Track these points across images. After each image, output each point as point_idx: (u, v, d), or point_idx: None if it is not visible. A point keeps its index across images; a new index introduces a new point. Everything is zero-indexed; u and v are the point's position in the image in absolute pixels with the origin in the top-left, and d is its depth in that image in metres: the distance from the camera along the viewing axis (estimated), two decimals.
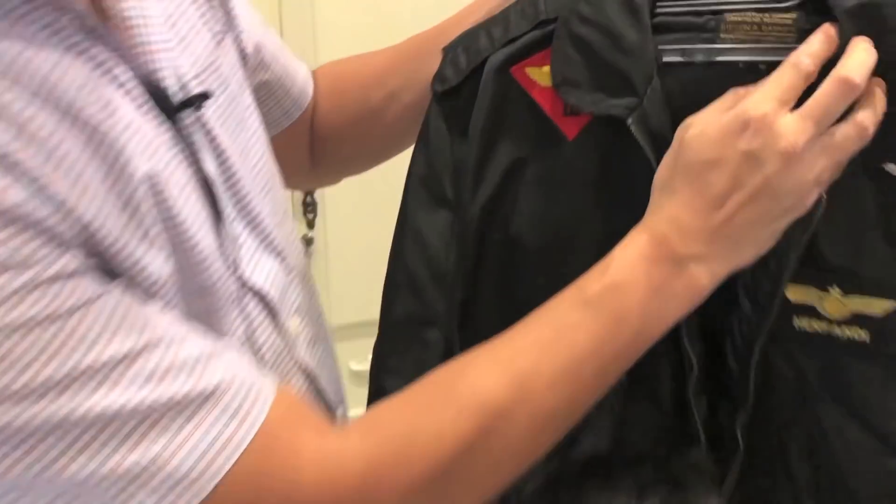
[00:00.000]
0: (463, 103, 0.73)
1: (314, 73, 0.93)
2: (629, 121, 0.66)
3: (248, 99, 0.73)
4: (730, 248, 0.60)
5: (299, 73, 0.89)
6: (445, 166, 0.73)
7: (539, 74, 0.71)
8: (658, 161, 0.65)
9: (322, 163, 0.95)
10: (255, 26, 0.80)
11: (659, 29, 0.69)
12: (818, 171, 0.58)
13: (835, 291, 0.66)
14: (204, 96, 0.62)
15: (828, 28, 0.60)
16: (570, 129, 0.71)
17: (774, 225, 0.60)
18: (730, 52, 0.68)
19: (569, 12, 0.69)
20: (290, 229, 0.74)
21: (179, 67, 0.62)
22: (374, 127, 0.89)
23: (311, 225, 2.01)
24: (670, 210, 0.61)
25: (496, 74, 0.71)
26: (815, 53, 0.60)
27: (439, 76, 0.73)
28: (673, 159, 0.63)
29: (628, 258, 0.61)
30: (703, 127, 0.61)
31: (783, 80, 0.59)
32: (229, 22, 0.74)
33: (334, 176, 1.01)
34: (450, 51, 0.73)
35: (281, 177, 0.76)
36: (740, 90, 0.62)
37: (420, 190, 0.74)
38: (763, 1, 0.67)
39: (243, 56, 0.77)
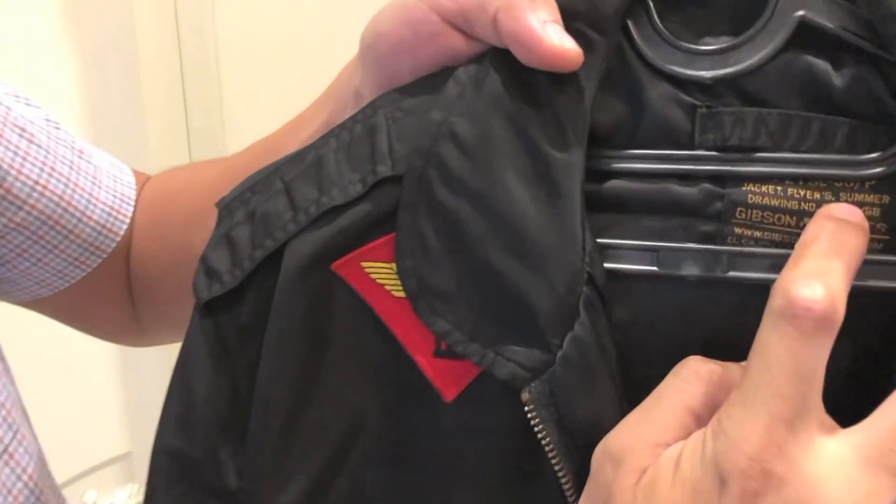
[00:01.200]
0: (249, 320, 0.38)
1: (140, 195, 0.61)
2: (524, 395, 0.34)
3: None
4: None
5: (97, 205, 0.56)
6: (215, 431, 0.39)
7: (386, 274, 0.37)
8: (577, 486, 0.33)
9: (147, 317, 0.64)
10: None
11: (602, 205, 0.36)
12: None
13: None
14: None
15: None
16: (444, 382, 0.37)
17: None
18: (755, 261, 0.34)
19: (425, 160, 0.35)
20: None
21: None
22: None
23: None
24: None
25: (306, 273, 0.37)
26: None
27: (205, 269, 0.39)
28: None
29: None
30: (654, 476, 0.30)
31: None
32: None
33: (169, 334, 0.67)
34: (224, 218, 0.39)
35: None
36: (708, 366, 0.32)
37: (171, 468, 0.40)
38: (825, 164, 0.33)
39: None
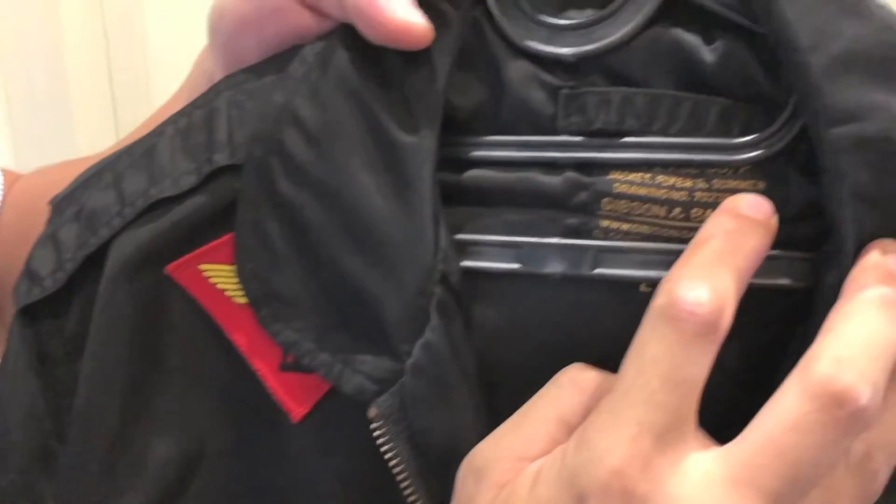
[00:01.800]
0: (76, 329, 0.34)
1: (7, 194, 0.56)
2: (371, 410, 0.30)
3: None
4: None
5: None
6: (30, 460, 0.35)
7: (228, 278, 0.33)
8: None
9: None
10: None
11: (461, 197, 0.32)
12: None
13: None
14: None
15: None
16: (292, 398, 0.33)
17: None
18: (625, 257, 0.31)
19: (266, 148, 0.31)
20: None
21: None
22: None
23: None
24: None
25: (132, 274, 0.33)
26: None
27: (27, 272, 0.34)
28: None
29: None
30: (510, 492, 0.28)
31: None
32: None
33: None
34: (54, 217, 0.35)
35: None
36: (588, 373, 0.29)
37: None
38: (696, 149, 0.30)
39: None
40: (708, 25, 0.30)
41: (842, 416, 0.24)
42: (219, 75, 0.36)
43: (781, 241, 0.30)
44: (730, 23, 0.29)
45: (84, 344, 0.34)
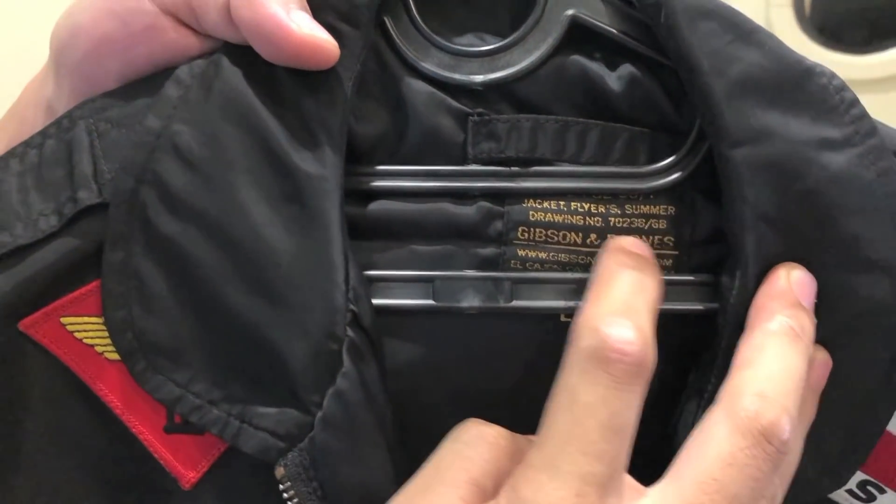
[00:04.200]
0: None
1: None
2: (278, 470, 0.27)
3: None
4: None
5: None
6: None
7: (96, 331, 0.29)
8: None
9: None
10: None
11: (368, 230, 0.30)
12: None
13: None
14: None
15: None
16: (183, 463, 0.29)
17: None
18: (541, 288, 0.30)
19: (138, 180, 0.28)
20: None
21: None
22: None
23: None
24: None
25: None
26: None
27: None
28: None
29: None
30: None
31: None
32: None
33: None
34: None
35: None
36: (493, 429, 0.27)
37: None
38: (607, 177, 0.30)
39: None
40: (613, 54, 0.30)
41: (772, 451, 0.25)
42: (63, 103, 0.31)
43: (692, 265, 0.30)
44: (634, 52, 0.30)
45: None
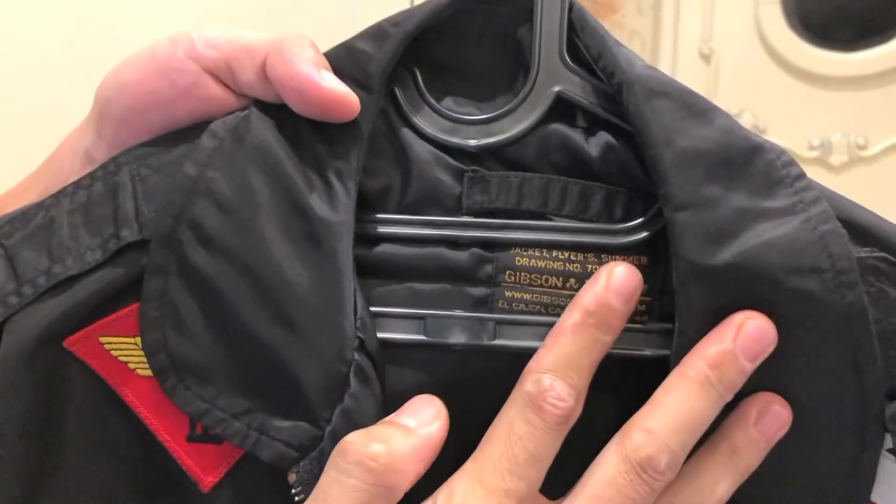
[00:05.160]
0: None
1: None
2: (291, 476, 0.31)
3: None
4: None
5: None
6: None
7: (130, 350, 0.33)
8: None
9: None
10: None
11: (371, 270, 0.34)
12: None
13: None
14: None
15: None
16: (202, 468, 0.33)
17: None
18: (522, 329, 0.34)
19: (176, 220, 0.32)
20: None
21: None
22: None
23: None
24: None
25: (34, 354, 0.32)
26: None
27: None
28: None
29: None
30: None
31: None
32: None
33: None
34: None
35: None
36: (376, 450, 0.30)
37: None
38: (584, 232, 0.34)
39: None
40: (592, 124, 0.34)
41: (646, 477, 0.29)
42: (101, 153, 0.35)
43: (663, 311, 0.34)
44: (609, 123, 0.34)
45: None
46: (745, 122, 1.67)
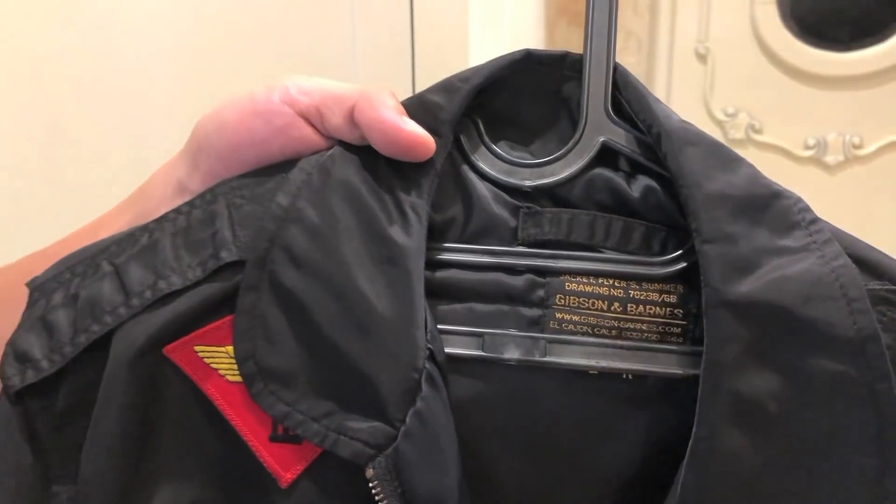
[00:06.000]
0: (66, 407, 0.36)
1: None
2: (368, 471, 0.34)
3: None
4: None
5: None
6: None
7: (221, 358, 0.37)
8: None
9: None
10: None
11: (437, 292, 0.39)
12: None
13: None
14: None
15: None
16: (282, 466, 0.36)
17: None
18: (570, 348, 0.38)
19: (270, 243, 0.36)
20: None
21: None
22: None
23: None
24: None
25: (138, 360, 0.36)
26: None
27: (15, 354, 0.36)
28: None
29: None
30: None
31: None
32: None
33: None
34: (38, 300, 0.37)
35: None
36: None
37: None
38: (626, 263, 0.38)
39: None
40: (633, 169, 0.39)
41: None
42: (194, 184, 0.39)
43: (697, 335, 0.38)
44: (649, 168, 0.39)
45: (70, 422, 0.36)
46: (741, 121, 1.65)
